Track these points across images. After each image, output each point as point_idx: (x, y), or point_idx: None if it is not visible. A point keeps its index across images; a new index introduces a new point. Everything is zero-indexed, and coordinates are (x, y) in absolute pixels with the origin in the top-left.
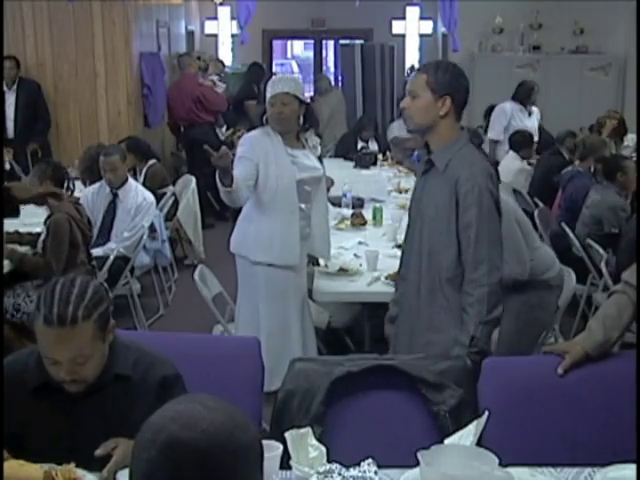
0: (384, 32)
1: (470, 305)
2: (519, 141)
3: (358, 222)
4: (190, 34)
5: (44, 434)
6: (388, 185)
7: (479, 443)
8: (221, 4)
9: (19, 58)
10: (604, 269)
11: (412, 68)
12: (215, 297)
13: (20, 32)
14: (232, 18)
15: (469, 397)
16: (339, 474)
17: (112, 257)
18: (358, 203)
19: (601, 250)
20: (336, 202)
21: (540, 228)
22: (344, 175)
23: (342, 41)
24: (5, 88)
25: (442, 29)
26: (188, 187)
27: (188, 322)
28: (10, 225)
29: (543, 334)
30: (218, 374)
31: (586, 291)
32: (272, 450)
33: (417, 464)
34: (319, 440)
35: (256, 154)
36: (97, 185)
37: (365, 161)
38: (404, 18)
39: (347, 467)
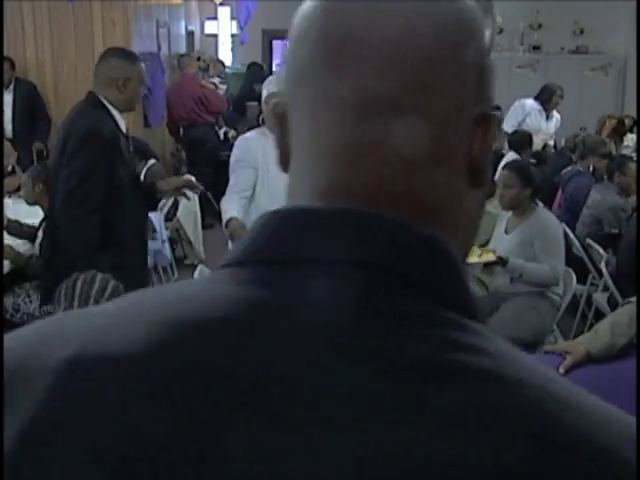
0: None
1: None
2: (519, 141)
3: None
4: (190, 34)
5: None
6: None
7: None
8: (221, 4)
9: (19, 58)
10: (604, 269)
11: None
12: None
13: (20, 32)
14: (232, 18)
15: None
16: None
17: None
18: None
19: (601, 250)
20: None
21: None
22: None
23: None
24: None
25: None
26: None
27: None
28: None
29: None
30: None
31: (586, 291)
32: None
33: None
34: None
35: (254, 157)
36: None
37: None
38: None
39: None
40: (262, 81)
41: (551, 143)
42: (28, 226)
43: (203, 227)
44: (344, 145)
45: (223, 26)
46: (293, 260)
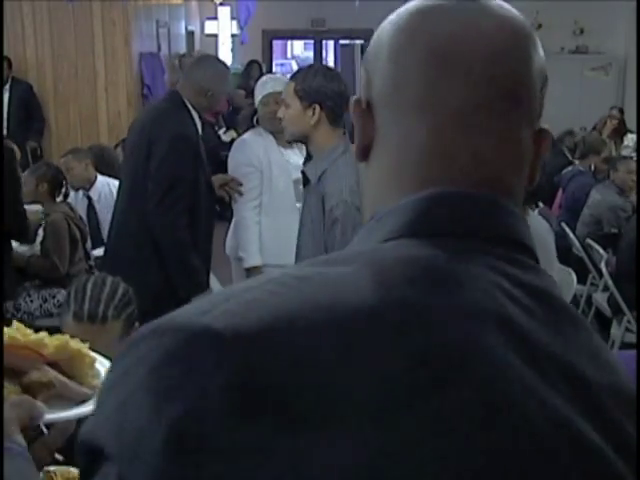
0: None
1: None
2: None
3: None
4: (190, 34)
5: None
6: None
7: None
8: (221, 4)
9: (19, 58)
10: (604, 269)
11: None
12: None
13: (20, 32)
14: (232, 18)
15: None
16: None
17: None
18: None
19: (601, 250)
20: None
21: None
22: None
23: (342, 41)
24: None
25: None
26: None
27: None
28: None
29: None
30: None
31: (586, 291)
32: None
33: None
34: None
35: (257, 159)
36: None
37: None
38: None
39: None
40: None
41: None
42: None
43: None
44: (453, 144)
45: (223, 26)
46: (455, 234)
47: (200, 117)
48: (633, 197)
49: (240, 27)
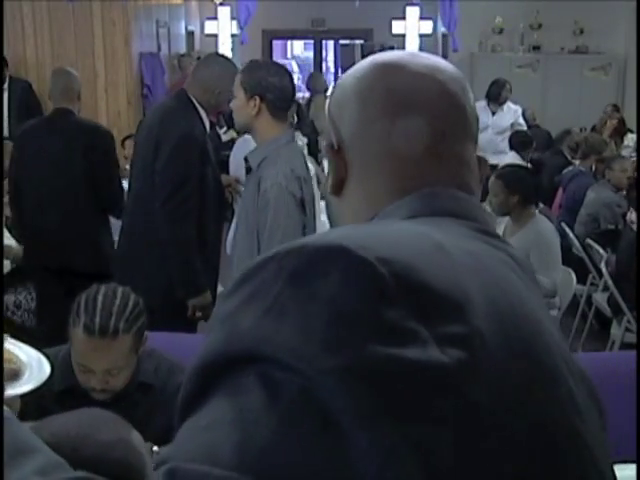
0: (384, 32)
1: None
2: (519, 141)
3: None
4: (190, 34)
5: None
6: None
7: None
8: (221, 4)
9: (19, 58)
10: (604, 269)
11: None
12: (216, 297)
13: (20, 32)
14: (232, 18)
15: None
16: None
17: None
18: None
19: (601, 250)
20: None
21: None
22: None
23: (342, 41)
24: None
25: (442, 29)
26: None
27: None
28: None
29: None
30: None
31: (586, 291)
32: None
33: None
34: None
35: None
36: None
37: None
38: (404, 18)
39: None
40: None
41: (507, 134)
42: None
43: None
44: (433, 156)
45: (223, 26)
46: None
47: (208, 115)
48: (632, 193)
49: (240, 27)
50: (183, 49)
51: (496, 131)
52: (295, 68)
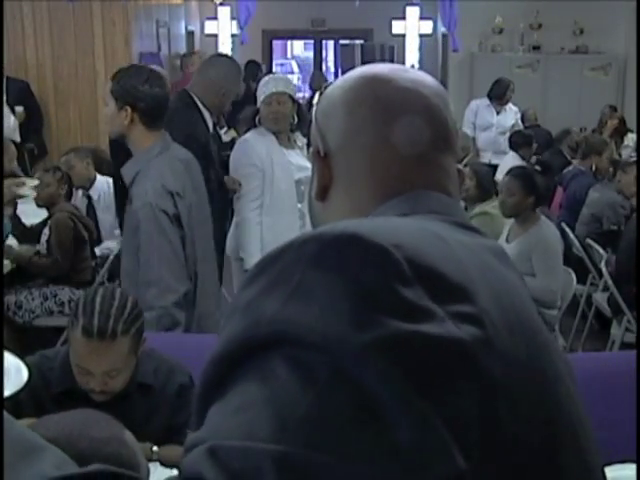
0: (384, 32)
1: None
2: (519, 141)
3: None
4: (190, 34)
5: None
6: None
7: None
8: (221, 4)
9: (19, 58)
10: (604, 269)
11: (412, 67)
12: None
13: (20, 32)
14: (232, 18)
15: None
16: None
17: (112, 257)
18: None
19: (601, 250)
20: None
21: None
22: None
23: (342, 41)
24: None
25: (442, 29)
26: None
27: None
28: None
29: None
30: None
31: (586, 291)
32: None
33: None
34: None
35: (259, 158)
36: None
37: None
38: (404, 18)
39: None
40: (259, 80)
41: (507, 135)
42: (29, 228)
43: None
44: (417, 162)
45: (223, 26)
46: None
47: (211, 116)
48: (633, 199)
49: (240, 27)
50: (183, 49)
51: (500, 131)
52: (295, 68)
